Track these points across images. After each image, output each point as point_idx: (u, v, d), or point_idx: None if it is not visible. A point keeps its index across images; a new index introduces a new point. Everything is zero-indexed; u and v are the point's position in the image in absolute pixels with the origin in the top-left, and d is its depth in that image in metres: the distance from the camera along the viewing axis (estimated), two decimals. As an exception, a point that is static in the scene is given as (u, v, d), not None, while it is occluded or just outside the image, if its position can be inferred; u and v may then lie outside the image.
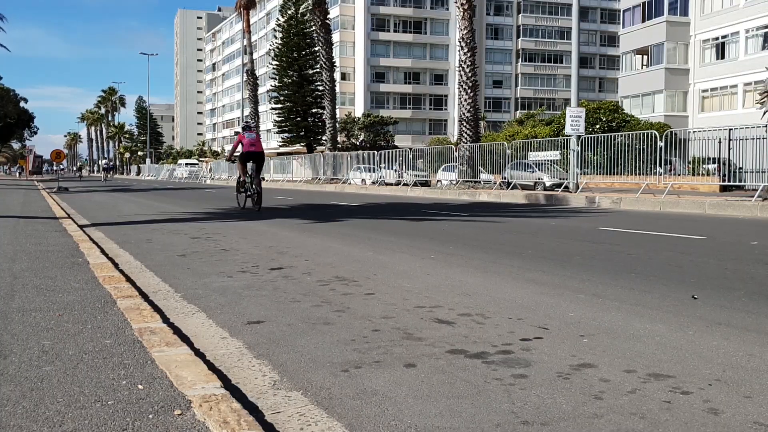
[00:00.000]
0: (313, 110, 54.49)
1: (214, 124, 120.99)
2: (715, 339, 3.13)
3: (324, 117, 43.33)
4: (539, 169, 22.67)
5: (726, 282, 4.69)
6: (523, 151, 23.06)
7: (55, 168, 55.70)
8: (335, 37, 51.29)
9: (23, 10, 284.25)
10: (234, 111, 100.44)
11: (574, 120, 18.71)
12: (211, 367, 2.58)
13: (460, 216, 11.98)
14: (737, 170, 15.62)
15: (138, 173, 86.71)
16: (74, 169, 65.62)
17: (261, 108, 58.08)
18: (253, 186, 13.07)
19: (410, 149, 29.75)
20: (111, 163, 49.04)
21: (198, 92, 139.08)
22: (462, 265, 5.53)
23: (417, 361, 2.77)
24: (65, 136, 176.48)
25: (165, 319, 3.30)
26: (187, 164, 67.61)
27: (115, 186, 35.69)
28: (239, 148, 13.70)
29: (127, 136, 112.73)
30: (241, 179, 13.60)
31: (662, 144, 16.21)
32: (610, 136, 19.97)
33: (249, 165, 13.49)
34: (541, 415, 2.18)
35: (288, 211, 13.56)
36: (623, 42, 47.67)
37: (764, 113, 29.12)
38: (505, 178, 22.41)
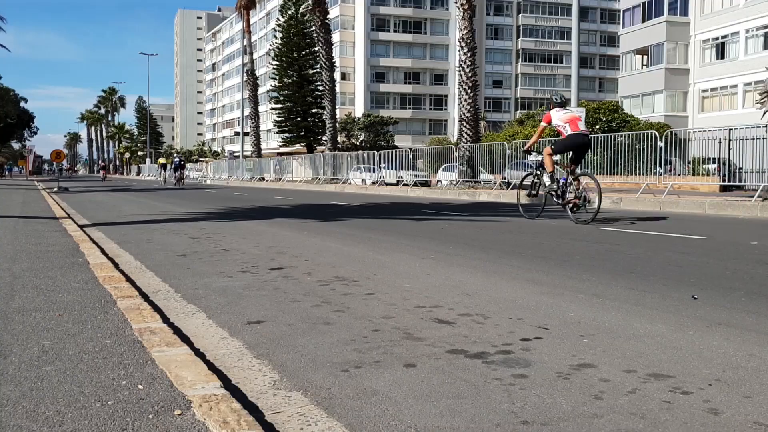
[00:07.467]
0: (313, 110, 54.50)
1: (214, 124, 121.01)
2: (715, 339, 3.13)
3: (324, 117, 43.35)
4: (539, 169, 22.64)
5: (726, 282, 4.69)
6: (523, 151, 23.03)
7: (55, 168, 55.33)
8: (335, 37, 51.33)
9: (29, 13, 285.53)
10: (234, 111, 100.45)
11: (574, 120, 18.66)
12: (211, 367, 2.58)
13: (460, 216, 11.97)
14: (737, 170, 15.61)
15: (138, 173, 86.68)
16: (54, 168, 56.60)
17: (261, 108, 58.10)
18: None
19: (410, 149, 29.75)
20: (103, 163, 33.28)
21: (198, 92, 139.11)
22: (462, 265, 5.53)
23: (417, 361, 2.77)
24: (65, 136, 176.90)
25: (165, 319, 3.30)
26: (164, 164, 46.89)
27: (115, 186, 35.69)
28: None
29: (127, 136, 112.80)
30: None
31: (662, 144, 16.21)
32: (610, 136, 19.96)
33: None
34: (541, 415, 2.18)
35: (288, 211, 13.56)
36: (623, 42, 47.69)
37: (764, 113, 29.11)
38: (505, 178, 22.40)
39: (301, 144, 55.85)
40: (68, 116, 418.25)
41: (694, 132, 19.60)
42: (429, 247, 6.90)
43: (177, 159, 41.22)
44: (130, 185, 37.85)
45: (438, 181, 27.27)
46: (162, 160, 50.08)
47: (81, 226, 8.71)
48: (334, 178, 32.94)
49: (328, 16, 38.56)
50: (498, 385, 2.46)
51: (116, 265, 5.21)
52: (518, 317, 3.57)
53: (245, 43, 49.78)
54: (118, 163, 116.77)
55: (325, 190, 28.99)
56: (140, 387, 2.24)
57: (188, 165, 72.63)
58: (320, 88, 49.02)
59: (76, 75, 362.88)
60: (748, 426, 2.09)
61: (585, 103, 36.06)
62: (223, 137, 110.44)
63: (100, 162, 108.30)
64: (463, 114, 24.73)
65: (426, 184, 26.59)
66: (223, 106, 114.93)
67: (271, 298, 4.13)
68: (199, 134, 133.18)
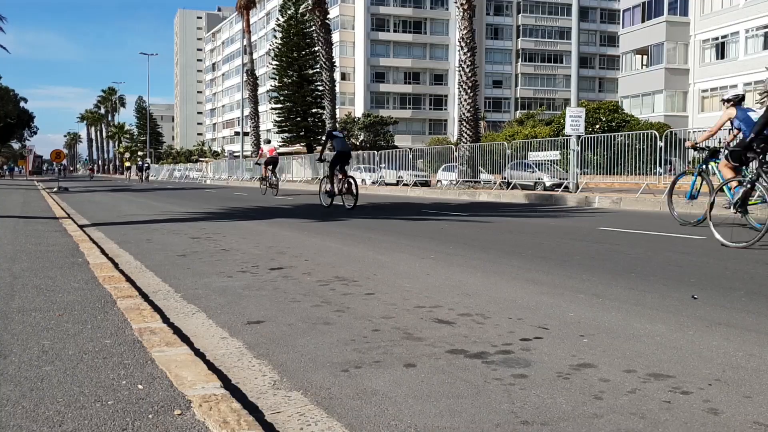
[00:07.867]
0: (313, 110, 54.47)
1: (214, 124, 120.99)
2: (715, 339, 3.13)
3: (324, 117, 43.35)
4: (539, 169, 22.67)
5: (726, 282, 4.69)
6: (523, 151, 23.07)
7: (55, 168, 56.28)
8: (335, 37, 51.31)
9: (29, 13, 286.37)
10: (234, 111, 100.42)
11: (574, 120, 18.71)
12: (211, 367, 2.58)
13: (460, 216, 11.97)
14: (737, 170, 15.58)
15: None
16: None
17: (261, 108, 58.12)
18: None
19: (410, 149, 29.74)
20: (89, 165, 54.88)
21: (198, 92, 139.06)
22: (462, 265, 5.53)
23: (417, 361, 2.77)
24: (65, 136, 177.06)
25: (165, 319, 3.30)
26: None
27: (114, 186, 35.70)
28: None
29: (127, 136, 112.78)
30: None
31: (662, 144, 16.21)
32: (610, 136, 19.97)
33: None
34: (541, 415, 2.18)
35: (288, 211, 13.56)
36: (623, 42, 47.70)
37: (764, 113, 29.07)
38: (505, 178, 22.41)
39: (301, 144, 55.83)
40: (68, 116, 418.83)
41: (694, 132, 19.58)
42: (429, 247, 6.90)
43: (140, 162, 53.66)
44: (128, 186, 37.86)
45: (438, 181, 27.27)
46: (127, 164, 66.55)
47: (81, 226, 8.71)
48: (334, 178, 32.89)
49: (328, 16, 38.56)
50: (498, 385, 2.46)
51: (116, 265, 5.21)
52: (518, 317, 3.57)
53: (245, 43, 49.79)
54: (117, 163, 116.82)
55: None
56: (140, 387, 2.24)
57: (187, 165, 73.28)
58: (320, 88, 48.99)
59: (76, 75, 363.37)
60: (748, 426, 2.09)
61: (585, 103, 36.07)
62: (223, 137, 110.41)
63: (99, 162, 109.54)
64: (463, 114, 24.74)
65: (426, 184, 26.60)
66: (223, 106, 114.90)
67: (271, 298, 4.13)
68: (199, 134, 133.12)
